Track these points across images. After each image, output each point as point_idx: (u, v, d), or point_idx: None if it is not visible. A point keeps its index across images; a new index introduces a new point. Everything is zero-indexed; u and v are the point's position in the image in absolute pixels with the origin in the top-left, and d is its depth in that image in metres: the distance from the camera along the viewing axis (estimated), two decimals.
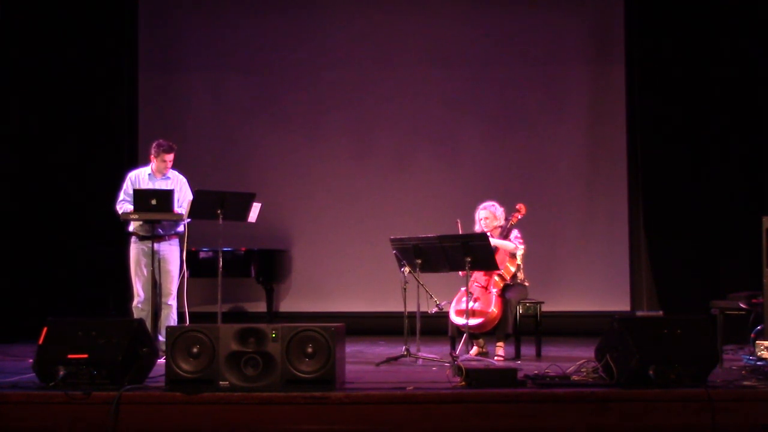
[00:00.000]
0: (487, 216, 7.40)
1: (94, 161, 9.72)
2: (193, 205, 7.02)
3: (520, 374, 5.39)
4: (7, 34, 9.40)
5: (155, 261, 7.05)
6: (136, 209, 6.93)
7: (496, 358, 7.07)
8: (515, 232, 7.33)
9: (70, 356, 5.24)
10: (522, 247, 7.26)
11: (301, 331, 5.19)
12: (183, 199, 7.24)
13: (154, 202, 6.87)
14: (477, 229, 7.40)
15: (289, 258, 10.05)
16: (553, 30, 10.02)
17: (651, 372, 5.14)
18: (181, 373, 5.17)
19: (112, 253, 8.92)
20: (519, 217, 7.40)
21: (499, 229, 7.38)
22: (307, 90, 10.26)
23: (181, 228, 7.24)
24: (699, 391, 5.05)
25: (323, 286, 10.04)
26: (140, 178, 7.30)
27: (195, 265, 8.80)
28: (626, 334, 5.29)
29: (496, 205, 7.47)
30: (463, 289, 7.00)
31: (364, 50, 10.23)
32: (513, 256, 7.23)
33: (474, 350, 7.18)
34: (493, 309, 7.05)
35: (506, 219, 7.42)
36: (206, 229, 7.43)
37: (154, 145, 7.29)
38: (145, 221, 7.05)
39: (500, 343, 7.14)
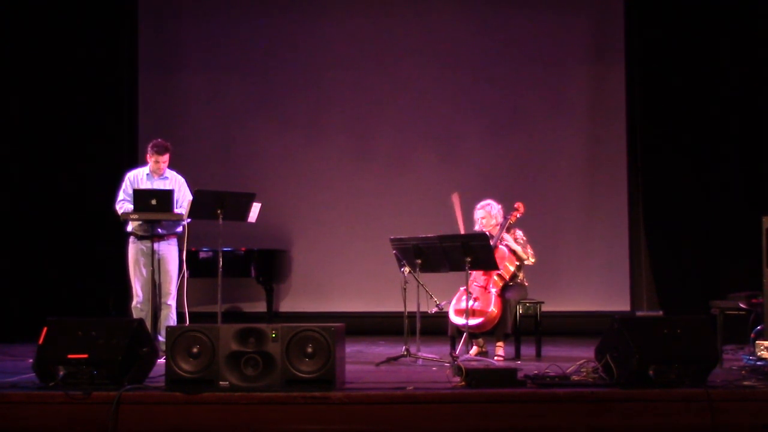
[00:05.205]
0: (484, 216, 7.40)
1: (94, 161, 9.71)
2: (193, 205, 7.01)
3: (520, 374, 5.39)
4: (6, 33, 9.39)
5: (154, 261, 7.06)
6: (136, 209, 6.93)
7: (495, 358, 7.06)
8: (520, 233, 7.33)
9: (70, 356, 5.24)
10: (533, 260, 7.28)
11: (301, 331, 5.19)
12: (182, 199, 7.24)
13: (153, 202, 6.87)
14: (477, 229, 7.40)
15: (289, 258, 10.05)
16: (553, 30, 10.01)
17: (651, 372, 5.14)
18: (181, 373, 5.17)
19: (111, 253, 8.90)
20: (518, 215, 7.39)
21: (498, 227, 7.37)
22: (307, 90, 10.26)
23: (180, 228, 7.24)
24: (699, 391, 5.05)
25: (323, 286, 10.04)
26: (139, 177, 7.29)
27: (195, 265, 8.78)
28: (626, 334, 5.29)
29: (492, 203, 7.46)
30: (462, 288, 7.00)
31: (364, 50, 10.23)
32: (514, 255, 7.22)
33: (474, 350, 7.17)
34: (493, 309, 7.05)
35: (505, 217, 7.42)
36: (206, 229, 7.42)
37: (149, 145, 7.29)
38: (145, 221, 7.05)
39: (500, 343, 7.14)
